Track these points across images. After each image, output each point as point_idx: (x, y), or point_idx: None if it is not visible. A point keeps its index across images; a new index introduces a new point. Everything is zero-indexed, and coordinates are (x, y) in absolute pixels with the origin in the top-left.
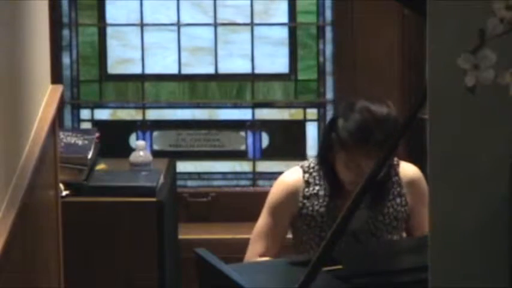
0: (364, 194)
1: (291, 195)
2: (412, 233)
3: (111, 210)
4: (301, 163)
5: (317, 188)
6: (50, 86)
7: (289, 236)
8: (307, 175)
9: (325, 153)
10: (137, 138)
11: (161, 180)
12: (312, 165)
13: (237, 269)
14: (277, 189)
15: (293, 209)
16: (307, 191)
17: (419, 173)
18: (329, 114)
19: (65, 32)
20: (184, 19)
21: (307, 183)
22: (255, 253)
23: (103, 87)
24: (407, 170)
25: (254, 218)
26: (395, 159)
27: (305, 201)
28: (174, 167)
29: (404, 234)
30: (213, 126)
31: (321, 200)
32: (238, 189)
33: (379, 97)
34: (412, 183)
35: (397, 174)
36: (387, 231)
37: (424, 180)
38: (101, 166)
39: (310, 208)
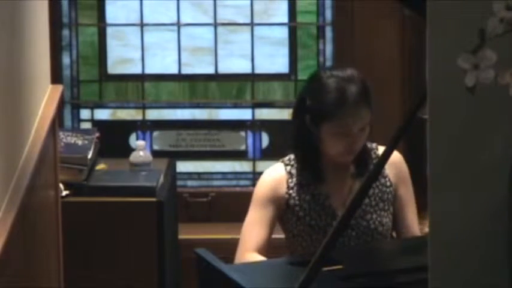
0: (363, 196)
1: (276, 188)
2: (397, 215)
3: (111, 210)
4: (281, 158)
5: (300, 178)
6: (50, 86)
7: (282, 236)
8: (289, 167)
9: (303, 141)
10: (137, 138)
11: (161, 180)
12: (292, 157)
13: (237, 269)
14: (261, 185)
15: (280, 202)
16: (291, 182)
17: (400, 155)
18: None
19: (65, 32)
20: (184, 19)
21: (290, 174)
22: (246, 248)
23: (103, 87)
24: None
25: None
26: (374, 144)
27: (291, 191)
28: (174, 167)
29: (391, 217)
30: (213, 126)
31: (305, 189)
32: (238, 189)
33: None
34: (394, 164)
35: (377, 157)
36: (375, 212)
37: (404, 162)
38: (101, 166)
39: (297, 197)
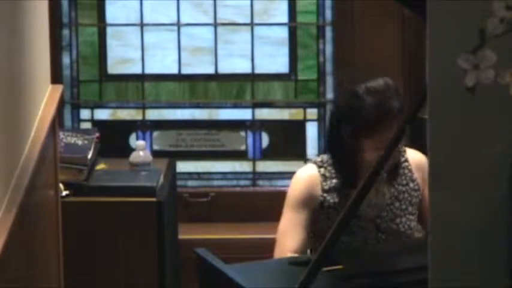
0: (363, 196)
1: (310, 188)
2: (425, 218)
3: (111, 210)
4: (313, 159)
5: (334, 181)
6: (50, 86)
7: None
8: (322, 169)
9: (341, 151)
10: (137, 138)
11: (161, 180)
12: (325, 159)
13: (237, 269)
14: (295, 185)
15: (314, 203)
16: (326, 185)
17: (424, 157)
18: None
19: (65, 32)
20: (184, 19)
21: (324, 177)
22: (285, 250)
23: (103, 87)
24: (415, 155)
25: (254, 218)
26: (402, 148)
27: (325, 194)
28: (174, 167)
29: (416, 219)
30: (213, 126)
31: (340, 191)
32: (238, 189)
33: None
34: (421, 167)
35: (406, 160)
36: (404, 216)
37: None
38: (101, 166)
39: (332, 201)
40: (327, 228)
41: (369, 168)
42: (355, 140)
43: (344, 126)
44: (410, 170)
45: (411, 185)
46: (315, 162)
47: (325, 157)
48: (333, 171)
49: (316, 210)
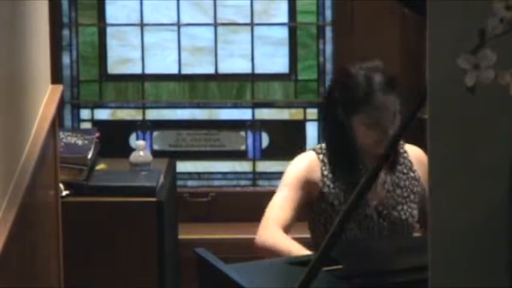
0: (362, 197)
1: (310, 171)
2: (425, 207)
3: (111, 210)
4: (311, 147)
5: (334, 167)
6: (50, 86)
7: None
8: (321, 156)
9: (339, 136)
10: (137, 138)
11: (161, 180)
12: (323, 146)
13: (237, 269)
14: (295, 167)
15: (312, 188)
16: (325, 169)
17: (421, 150)
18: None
19: (65, 32)
20: (184, 19)
21: (323, 162)
22: (269, 220)
23: (103, 87)
24: (413, 149)
25: (254, 218)
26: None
27: (325, 179)
28: (174, 167)
29: (417, 212)
30: (213, 126)
31: (340, 177)
32: (238, 189)
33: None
34: (420, 160)
35: (405, 151)
36: (406, 203)
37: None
38: (101, 166)
39: (332, 186)
40: (332, 218)
41: (363, 151)
42: (347, 118)
43: (336, 105)
44: (410, 161)
45: (411, 174)
46: (314, 150)
47: (323, 145)
48: (335, 163)
49: (315, 197)
